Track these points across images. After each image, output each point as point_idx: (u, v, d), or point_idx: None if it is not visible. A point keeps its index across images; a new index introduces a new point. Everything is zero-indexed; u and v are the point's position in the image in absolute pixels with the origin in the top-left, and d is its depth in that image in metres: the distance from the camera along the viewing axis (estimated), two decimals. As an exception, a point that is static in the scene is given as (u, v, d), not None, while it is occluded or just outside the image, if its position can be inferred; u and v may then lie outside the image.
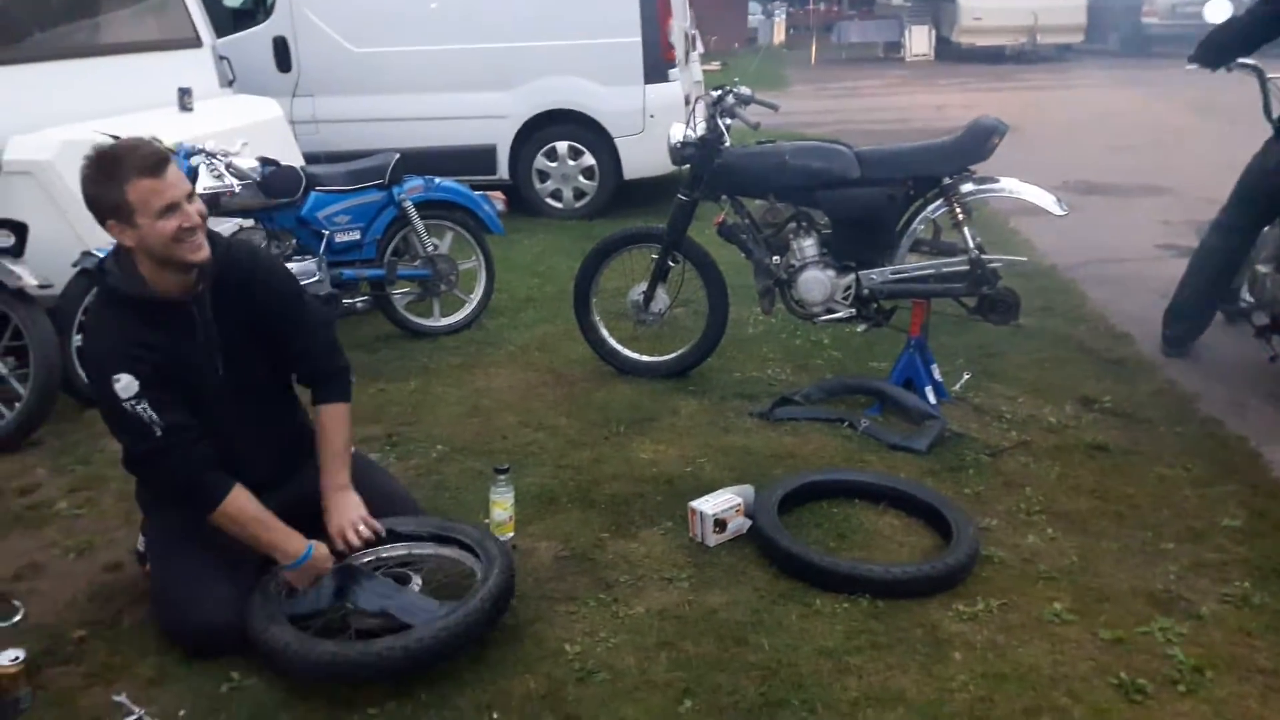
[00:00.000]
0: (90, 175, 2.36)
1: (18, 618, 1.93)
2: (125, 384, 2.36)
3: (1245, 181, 4.13)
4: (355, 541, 2.59)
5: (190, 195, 2.41)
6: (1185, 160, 8.41)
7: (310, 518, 2.62)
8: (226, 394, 2.58)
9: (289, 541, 2.50)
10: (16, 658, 2.29)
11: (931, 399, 3.81)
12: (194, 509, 2.48)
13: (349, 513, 2.62)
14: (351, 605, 2.48)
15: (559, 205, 7.29)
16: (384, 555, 2.68)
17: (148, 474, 2.49)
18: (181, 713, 2.31)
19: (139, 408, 2.37)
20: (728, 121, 3.99)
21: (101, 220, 2.40)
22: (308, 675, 2.33)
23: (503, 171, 7.22)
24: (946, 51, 19.99)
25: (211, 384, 2.55)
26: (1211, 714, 2.23)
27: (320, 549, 2.54)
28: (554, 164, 7.21)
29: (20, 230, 3.73)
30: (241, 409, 2.62)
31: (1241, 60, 4.10)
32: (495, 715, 2.27)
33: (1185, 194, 7.22)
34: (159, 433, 2.39)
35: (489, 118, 7.11)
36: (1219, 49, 4.13)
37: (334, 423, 2.70)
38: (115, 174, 2.33)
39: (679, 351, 4.29)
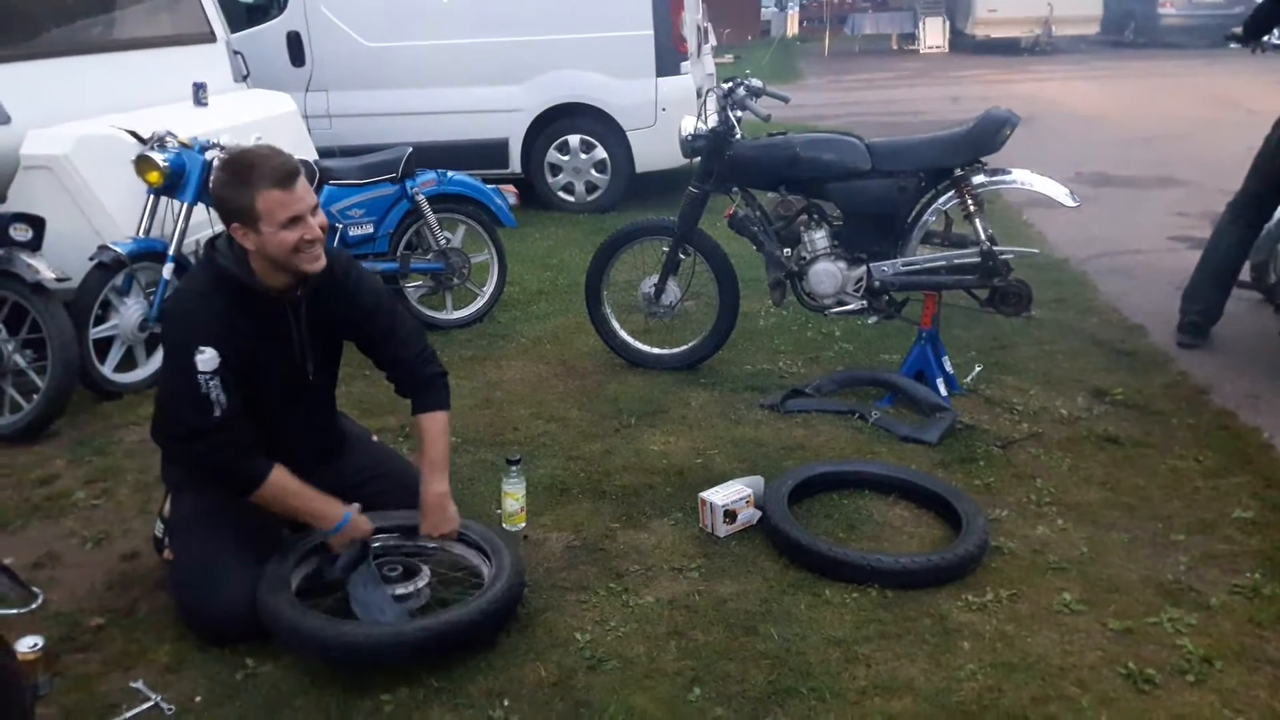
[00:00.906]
0: (222, 179, 2.44)
1: (36, 604, 1.96)
2: (208, 358, 2.41)
3: (1261, 157, 4.17)
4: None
5: (314, 209, 2.46)
6: (1201, 152, 8.36)
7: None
8: (306, 392, 2.68)
9: (329, 508, 2.56)
10: (35, 644, 2.32)
11: (942, 391, 3.81)
12: (232, 490, 2.52)
13: (444, 527, 2.68)
14: (342, 578, 2.54)
15: (571, 199, 7.30)
16: (405, 542, 2.72)
17: (188, 450, 2.52)
18: (198, 699, 2.34)
19: (211, 384, 2.41)
20: (739, 114, 4.00)
21: (226, 221, 2.46)
22: (283, 643, 2.41)
23: (515, 165, 7.24)
24: (961, 43, 19.91)
25: (295, 382, 2.64)
26: (1220, 704, 2.23)
27: (359, 515, 2.60)
28: (566, 157, 7.23)
29: (38, 224, 3.77)
30: (307, 407, 2.73)
31: (1275, 41, 4.16)
32: (506, 702, 2.29)
33: (1200, 186, 7.18)
34: (218, 413, 2.43)
35: (501, 111, 7.12)
36: (1262, 22, 4.22)
37: (434, 430, 2.73)
38: (247, 181, 2.39)
39: (690, 344, 4.30)
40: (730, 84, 4.02)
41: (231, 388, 2.45)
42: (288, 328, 2.58)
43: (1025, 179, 3.83)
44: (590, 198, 7.30)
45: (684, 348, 4.31)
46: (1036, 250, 4.74)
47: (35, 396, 3.80)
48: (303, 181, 2.44)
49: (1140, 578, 2.71)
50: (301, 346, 2.62)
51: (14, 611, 1.84)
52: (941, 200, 3.88)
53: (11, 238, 3.69)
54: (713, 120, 4.01)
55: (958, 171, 3.81)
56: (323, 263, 2.49)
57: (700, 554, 2.88)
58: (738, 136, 4.00)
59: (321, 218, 2.49)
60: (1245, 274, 4.50)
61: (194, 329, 2.45)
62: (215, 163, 2.51)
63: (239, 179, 2.40)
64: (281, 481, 2.52)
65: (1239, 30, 4.34)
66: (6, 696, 1.83)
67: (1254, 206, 4.20)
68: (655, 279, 4.25)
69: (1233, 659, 2.38)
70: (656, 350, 4.35)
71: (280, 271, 2.49)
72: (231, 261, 2.49)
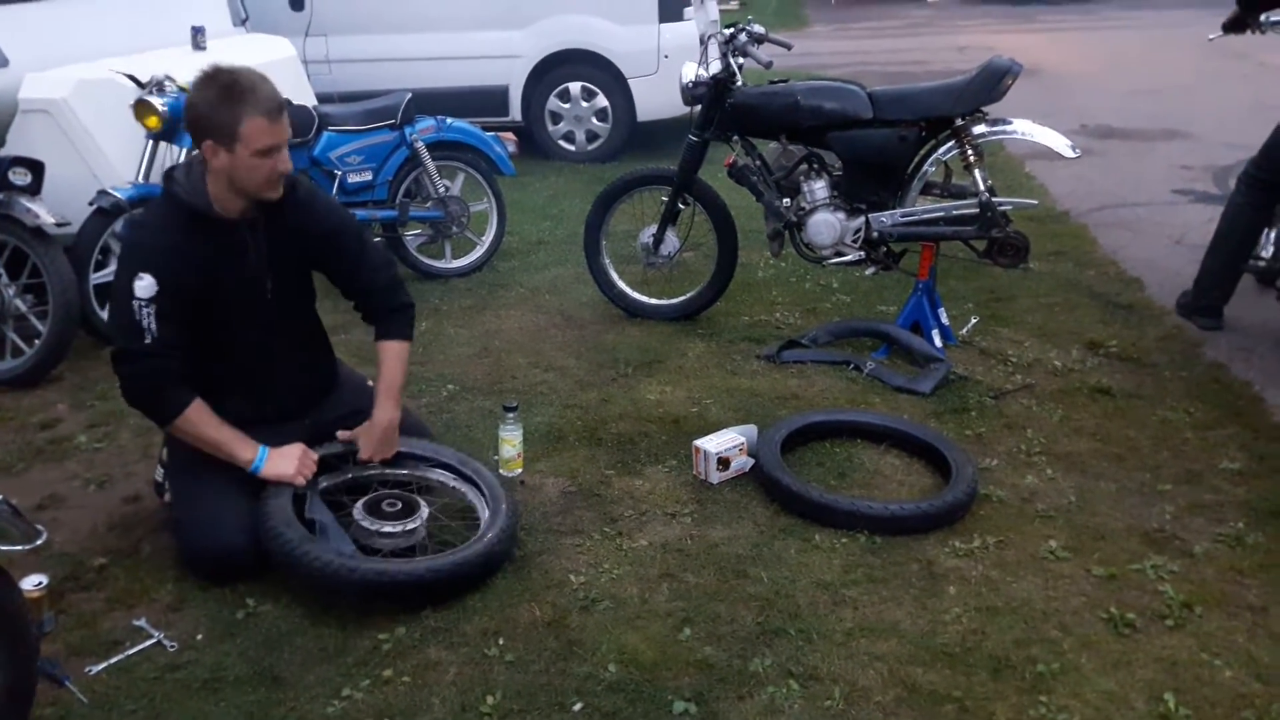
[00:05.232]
0: (209, 96, 2.42)
1: (41, 541, 1.99)
2: (145, 285, 2.44)
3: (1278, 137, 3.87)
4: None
5: (288, 130, 2.50)
6: (1208, 104, 8.27)
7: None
8: (272, 318, 2.69)
9: (243, 449, 2.60)
10: (40, 583, 2.37)
11: (938, 342, 3.83)
12: (153, 418, 2.61)
13: (384, 452, 2.74)
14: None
15: (571, 148, 7.25)
16: (401, 472, 2.79)
17: (121, 372, 2.56)
18: (199, 636, 2.40)
19: (145, 310, 2.45)
20: (740, 60, 3.97)
21: (198, 138, 2.47)
22: (288, 574, 2.49)
23: (515, 113, 7.18)
24: (970, -9, 19.55)
25: (259, 306, 2.65)
26: (1198, 648, 2.28)
27: (277, 450, 2.63)
28: (567, 105, 7.16)
29: (37, 169, 3.76)
30: (283, 337, 2.74)
31: (1274, 18, 3.90)
32: (501, 641, 2.35)
33: (1205, 139, 7.12)
34: (148, 340, 2.47)
35: (501, 57, 7.05)
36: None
37: (391, 359, 2.79)
38: (238, 103, 2.40)
39: (688, 295, 4.31)
40: (732, 30, 3.98)
41: (168, 318, 2.47)
42: (244, 250, 2.59)
43: (1026, 129, 3.81)
44: (591, 147, 7.24)
45: (682, 298, 4.32)
46: (1035, 202, 4.72)
47: (37, 342, 3.83)
48: (286, 116, 2.48)
49: (1126, 526, 2.76)
50: (259, 268, 2.62)
51: (19, 548, 1.88)
52: (942, 150, 3.86)
53: (10, 182, 3.69)
54: (714, 67, 3.98)
55: (959, 121, 3.79)
56: (280, 192, 2.53)
57: (693, 500, 2.93)
58: (739, 84, 3.97)
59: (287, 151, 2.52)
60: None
61: (137, 257, 2.49)
62: (196, 76, 2.51)
63: (229, 98, 2.40)
64: (199, 416, 2.55)
65: (1237, 11, 3.94)
66: (14, 632, 1.88)
67: (1269, 187, 3.91)
68: (654, 229, 4.24)
69: (1213, 605, 2.43)
70: (654, 301, 4.36)
71: (237, 196, 2.51)
72: (186, 189, 2.51)
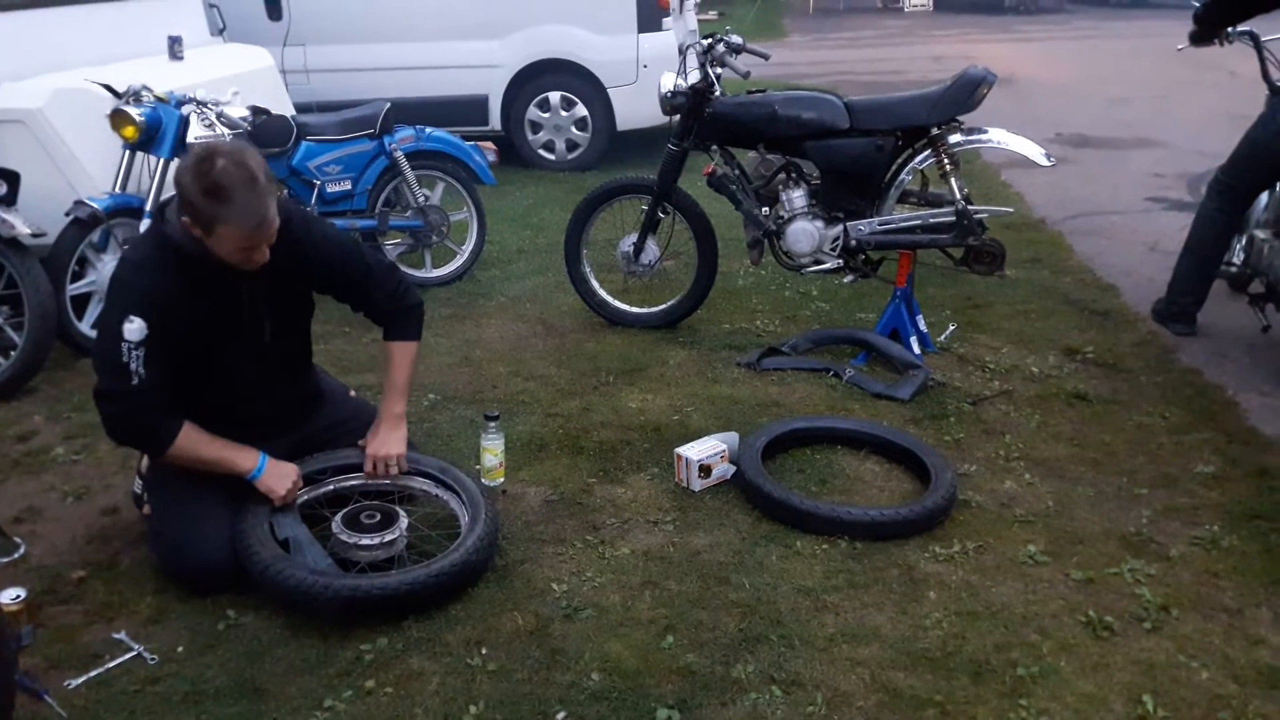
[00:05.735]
0: (196, 187, 2.31)
1: (19, 553, 1.97)
2: (135, 328, 2.40)
3: (1250, 143, 3.91)
4: (381, 472, 2.73)
5: (271, 236, 2.42)
6: (1182, 112, 8.40)
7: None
8: (269, 354, 2.67)
9: (243, 459, 2.59)
10: (18, 596, 2.35)
11: (916, 349, 3.86)
12: (144, 451, 2.60)
13: (390, 445, 2.74)
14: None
15: (551, 157, 7.27)
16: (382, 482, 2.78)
17: (105, 410, 2.52)
18: (179, 649, 2.38)
19: (134, 353, 2.41)
20: (719, 71, 3.99)
21: (180, 207, 2.40)
22: (266, 592, 2.47)
23: (495, 122, 7.19)
24: (945, 1, 19.77)
25: (253, 347, 2.62)
26: (1175, 650, 2.31)
27: (276, 463, 2.62)
28: (546, 115, 7.18)
29: (12, 179, 3.73)
30: (275, 369, 2.71)
31: (1239, 29, 3.94)
32: (484, 650, 2.34)
33: (1179, 147, 7.22)
34: (135, 382, 2.43)
35: (481, 67, 7.06)
36: (1216, 17, 3.91)
37: (398, 357, 2.81)
38: (218, 202, 2.30)
39: (669, 303, 4.32)
40: (710, 40, 4.01)
41: (156, 361, 2.43)
42: (238, 293, 2.55)
43: (1001, 138, 3.86)
44: (571, 156, 7.26)
45: (663, 306, 4.33)
46: (1011, 210, 4.77)
47: (12, 353, 3.79)
48: (273, 225, 2.39)
49: (1103, 530, 2.79)
50: (254, 310, 2.59)
51: (-3, 561, 1.86)
52: (918, 159, 3.91)
53: (-15, 193, 3.66)
54: (693, 77, 4.01)
55: (934, 130, 3.83)
56: (256, 267, 2.46)
57: (675, 507, 2.93)
58: (718, 94, 4.00)
59: (273, 234, 2.44)
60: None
61: (128, 298, 2.43)
62: (190, 153, 2.40)
63: (212, 196, 2.29)
64: (190, 440, 2.52)
65: (1195, 27, 3.98)
66: (-9, 644, 1.86)
67: (1240, 194, 3.96)
68: (634, 238, 4.26)
69: (1189, 607, 2.46)
70: (635, 309, 4.37)
71: None
72: (179, 232, 2.45)
